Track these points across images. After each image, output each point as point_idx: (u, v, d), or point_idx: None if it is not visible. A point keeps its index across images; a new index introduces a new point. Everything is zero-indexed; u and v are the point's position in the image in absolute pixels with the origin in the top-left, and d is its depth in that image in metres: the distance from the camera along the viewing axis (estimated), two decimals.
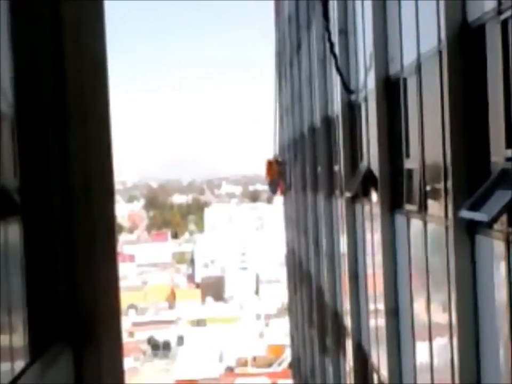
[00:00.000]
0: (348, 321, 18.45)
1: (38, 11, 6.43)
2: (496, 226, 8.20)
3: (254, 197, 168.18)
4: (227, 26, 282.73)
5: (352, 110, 17.26)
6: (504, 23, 7.97)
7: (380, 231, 13.85)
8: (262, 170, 35.05)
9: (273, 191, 34.52)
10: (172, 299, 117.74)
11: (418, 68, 11.50)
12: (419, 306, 11.93)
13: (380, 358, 14.94)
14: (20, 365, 5.40)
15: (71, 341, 6.48)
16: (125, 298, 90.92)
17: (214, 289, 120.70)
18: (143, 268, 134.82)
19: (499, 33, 8.06)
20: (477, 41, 8.83)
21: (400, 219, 13.13)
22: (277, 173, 33.54)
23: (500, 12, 8.05)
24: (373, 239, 15.10)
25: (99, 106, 6.79)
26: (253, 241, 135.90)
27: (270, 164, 33.36)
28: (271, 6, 39.04)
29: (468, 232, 9.16)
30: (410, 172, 12.29)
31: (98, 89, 6.81)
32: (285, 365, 70.24)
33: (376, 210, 14.25)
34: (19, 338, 5.55)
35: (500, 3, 8.07)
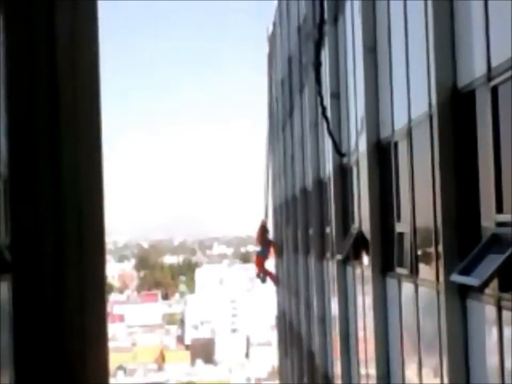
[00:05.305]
0: None
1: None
2: (487, 290, 8.19)
3: (245, 258, 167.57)
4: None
5: (343, 173, 17.36)
6: (494, 90, 8.08)
7: (371, 294, 13.80)
8: (254, 232, 34.85)
9: (263, 280, 33.68)
10: (161, 361, 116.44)
11: (409, 132, 11.62)
12: (411, 370, 11.83)
13: None
14: None
15: None
16: (114, 359, 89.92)
17: (203, 351, 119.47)
18: (132, 329, 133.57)
19: (489, 100, 8.16)
20: (467, 107, 8.94)
21: (391, 282, 13.10)
22: (265, 243, 32.81)
23: (490, 79, 8.16)
24: (364, 302, 15.04)
25: (92, 160, 6.84)
26: (244, 302, 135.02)
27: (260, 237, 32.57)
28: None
29: (459, 297, 9.14)
30: (401, 235, 12.31)
31: (92, 141, 6.87)
32: None
33: (368, 273, 14.23)
34: None
35: (489, 69, 8.19)
